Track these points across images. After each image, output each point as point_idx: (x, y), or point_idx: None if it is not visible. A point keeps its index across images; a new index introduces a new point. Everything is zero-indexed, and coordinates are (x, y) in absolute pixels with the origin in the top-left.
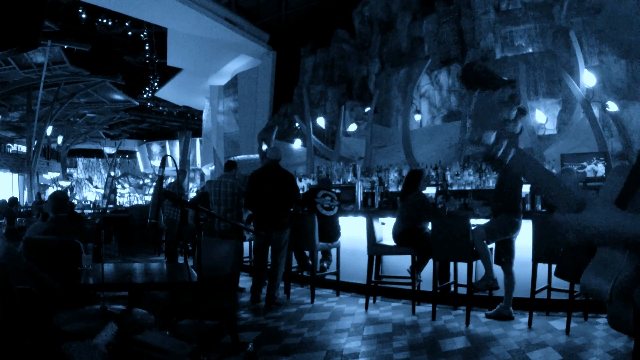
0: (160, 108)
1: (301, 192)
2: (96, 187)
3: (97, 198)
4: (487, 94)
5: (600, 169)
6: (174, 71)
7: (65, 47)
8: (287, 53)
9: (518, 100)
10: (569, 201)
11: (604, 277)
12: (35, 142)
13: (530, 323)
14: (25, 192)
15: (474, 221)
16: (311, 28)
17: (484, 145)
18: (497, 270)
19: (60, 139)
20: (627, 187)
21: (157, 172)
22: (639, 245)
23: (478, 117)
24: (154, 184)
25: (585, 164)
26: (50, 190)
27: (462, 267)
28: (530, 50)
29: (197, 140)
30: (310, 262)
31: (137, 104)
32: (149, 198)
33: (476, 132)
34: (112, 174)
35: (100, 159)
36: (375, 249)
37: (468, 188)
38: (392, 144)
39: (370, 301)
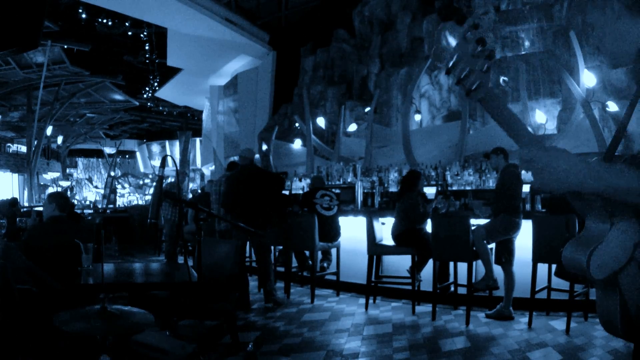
0: (160, 108)
1: (301, 192)
2: (96, 187)
3: (97, 198)
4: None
5: None
6: (174, 71)
7: (65, 47)
8: (287, 53)
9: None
10: (535, 141)
11: (581, 250)
12: (35, 142)
13: (530, 323)
14: (25, 192)
15: (474, 221)
16: (311, 28)
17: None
18: (497, 270)
19: (60, 139)
20: (610, 146)
21: (157, 172)
22: (613, 197)
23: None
24: (154, 184)
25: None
26: (50, 190)
27: (462, 267)
28: (531, 50)
29: (197, 140)
30: (310, 262)
31: (137, 104)
32: (149, 198)
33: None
34: (112, 174)
35: (100, 159)
36: (375, 249)
37: (468, 188)
38: (392, 144)
39: (370, 301)
